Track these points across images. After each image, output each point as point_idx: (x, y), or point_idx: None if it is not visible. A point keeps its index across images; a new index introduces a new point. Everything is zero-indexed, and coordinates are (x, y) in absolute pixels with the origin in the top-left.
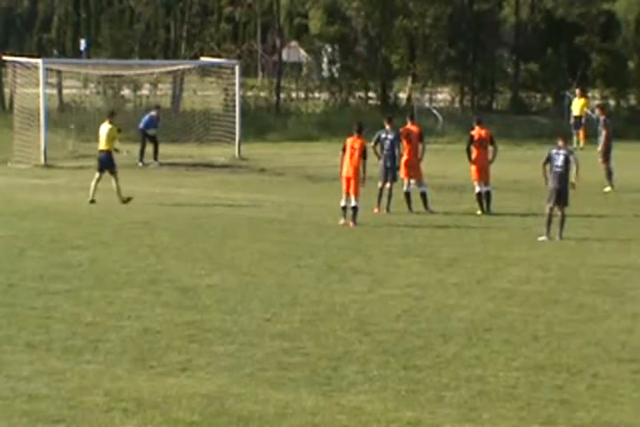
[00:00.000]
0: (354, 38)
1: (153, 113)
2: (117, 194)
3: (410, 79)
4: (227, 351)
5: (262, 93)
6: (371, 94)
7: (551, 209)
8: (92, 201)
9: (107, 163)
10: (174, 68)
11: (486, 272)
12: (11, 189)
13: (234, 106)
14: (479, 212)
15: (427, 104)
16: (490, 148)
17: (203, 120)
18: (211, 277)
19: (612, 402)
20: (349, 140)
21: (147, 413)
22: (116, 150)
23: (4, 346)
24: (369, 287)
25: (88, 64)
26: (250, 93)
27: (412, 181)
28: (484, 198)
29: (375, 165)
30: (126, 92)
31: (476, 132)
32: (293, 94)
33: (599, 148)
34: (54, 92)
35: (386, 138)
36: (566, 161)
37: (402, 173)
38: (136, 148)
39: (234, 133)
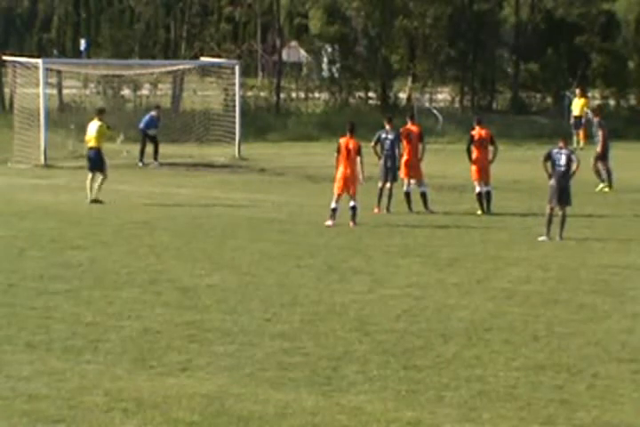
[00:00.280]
0: (354, 38)
1: (153, 113)
2: (96, 190)
3: (410, 79)
4: (227, 351)
5: (262, 93)
6: (371, 94)
7: (552, 209)
8: (93, 201)
9: (96, 161)
10: (174, 68)
11: (486, 272)
12: (11, 189)
13: (234, 106)
14: (479, 212)
15: (427, 104)
16: (490, 148)
17: (203, 120)
18: (211, 277)
19: (612, 402)
20: (343, 141)
21: (147, 413)
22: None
23: (4, 346)
24: (369, 287)
25: (88, 64)
26: (250, 93)
27: (412, 181)
28: (484, 198)
29: (375, 165)
30: (126, 92)
31: (477, 132)
32: (293, 94)
33: (598, 148)
34: (54, 92)
35: (386, 138)
36: (569, 160)
37: (402, 173)
38: (136, 148)
39: (234, 133)
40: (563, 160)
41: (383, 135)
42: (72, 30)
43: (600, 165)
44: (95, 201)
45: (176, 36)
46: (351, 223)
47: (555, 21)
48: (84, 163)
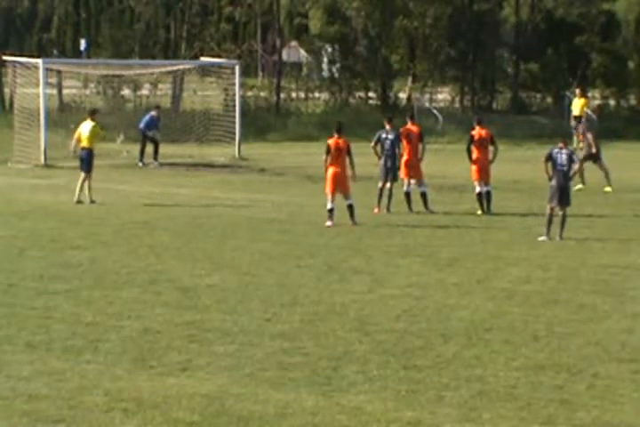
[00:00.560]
0: (354, 38)
1: (153, 113)
2: (79, 190)
3: (410, 79)
4: (227, 351)
5: (262, 93)
6: (371, 94)
7: (552, 209)
8: (92, 201)
9: (87, 161)
10: (174, 68)
11: (486, 272)
12: (11, 189)
13: (234, 106)
14: (479, 212)
15: (427, 104)
16: (490, 148)
17: (203, 120)
18: (211, 277)
19: (612, 402)
20: (332, 142)
21: (147, 413)
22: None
23: (4, 346)
24: (369, 287)
25: (88, 64)
26: (250, 93)
27: (413, 181)
28: (484, 198)
29: (375, 165)
30: (126, 92)
31: (477, 132)
32: (293, 94)
33: (593, 150)
34: (54, 92)
35: (386, 138)
36: (570, 160)
37: (402, 173)
38: (136, 148)
39: (234, 133)
40: (564, 160)
41: (383, 135)
42: (72, 30)
43: (597, 165)
44: (81, 202)
45: (176, 36)
46: (351, 222)
47: (555, 21)
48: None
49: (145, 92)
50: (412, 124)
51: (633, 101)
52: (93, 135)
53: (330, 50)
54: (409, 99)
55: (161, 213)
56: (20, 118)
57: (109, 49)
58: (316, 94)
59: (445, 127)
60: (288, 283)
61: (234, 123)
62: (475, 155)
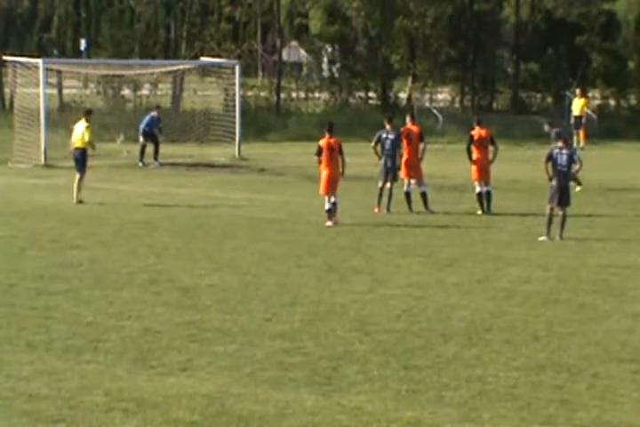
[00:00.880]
0: (354, 38)
1: (154, 113)
2: (77, 190)
3: (410, 79)
4: (227, 351)
5: (262, 93)
6: (371, 94)
7: (551, 209)
8: (80, 202)
9: (81, 161)
10: (174, 68)
11: (486, 272)
12: (11, 189)
13: (234, 106)
14: (479, 212)
15: (427, 104)
16: (490, 148)
17: (203, 120)
18: (211, 277)
19: (612, 402)
20: (323, 142)
21: (147, 413)
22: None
23: (4, 346)
24: (369, 287)
25: (88, 64)
26: (250, 93)
27: (413, 181)
28: (484, 198)
29: (375, 165)
30: (126, 92)
31: (476, 132)
32: (293, 94)
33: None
34: (54, 92)
35: (387, 138)
36: (570, 160)
37: (402, 172)
38: (136, 148)
39: (234, 133)
40: (564, 160)
41: (384, 135)
42: (72, 30)
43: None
44: (81, 201)
45: (176, 36)
46: (328, 222)
47: (555, 21)
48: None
49: (145, 92)
50: (412, 124)
51: (633, 101)
52: (90, 136)
53: (330, 50)
54: (409, 99)
55: (161, 213)
56: (20, 118)
57: (109, 49)
58: (316, 94)
59: (445, 127)
60: (288, 283)
61: (234, 123)
62: (475, 155)
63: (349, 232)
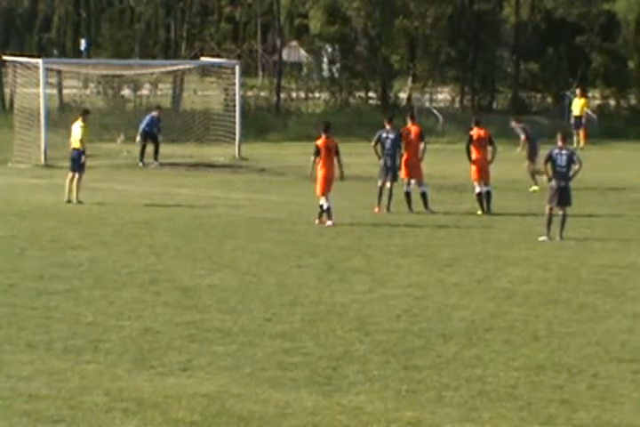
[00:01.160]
0: (354, 38)
1: (154, 113)
2: (76, 191)
3: (410, 79)
4: (227, 351)
5: (262, 93)
6: (371, 94)
7: (551, 209)
8: (69, 201)
9: (78, 162)
10: (174, 68)
11: (486, 272)
12: (11, 189)
13: (234, 106)
14: (479, 212)
15: (427, 104)
16: (489, 148)
17: (203, 120)
18: (211, 277)
19: (612, 402)
20: (320, 142)
21: (147, 413)
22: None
23: (4, 346)
24: (369, 287)
25: (88, 64)
26: (250, 93)
27: (413, 181)
28: (484, 198)
29: (375, 164)
30: (126, 92)
31: (475, 132)
32: (293, 94)
33: (519, 150)
34: (54, 92)
35: (387, 138)
36: (570, 161)
37: (402, 172)
38: (136, 148)
39: (234, 133)
40: (563, 161)
41: (384, 135)
42: (72, 30)
43: (530, 166)
44: (78, 202)
45: (176, 36)
46: (317, 221)
47: (555, 21)
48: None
49: (145, 92)
50: (412, 124)
51: (633, 101)
52: (83, 135)
53: (330, 50)
54: (409, 99)
55: (161, 213)
56: (20, 118)
57: (109, 49)
58: (316, 94)
59: (445, 127)
60: (288, 283)
61: (234, 123)
62: (474, 155)
63: (349, 232)
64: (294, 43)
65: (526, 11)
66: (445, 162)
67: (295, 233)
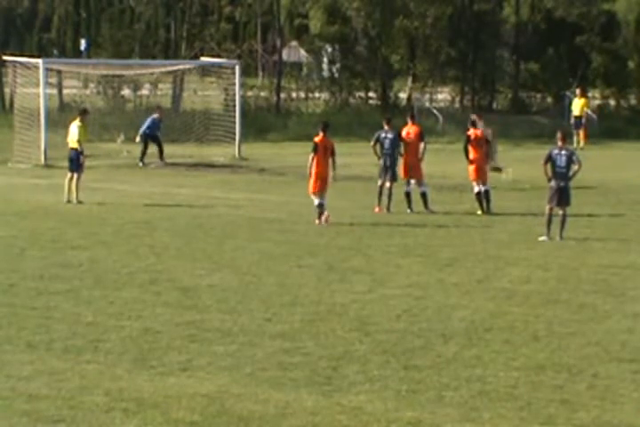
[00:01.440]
0: (354, 38)
1: (155, 116)
2: (75, 191)
3: (410, 79)
4: (227, 351)
5: (262, 93)
6: (371, 94)
7: (551, 209)
8: (69, 201)
9: (76, 162)
10: (174, 68)
11: (486, 272)
12: (11, 189)
13: (234, 106)
14: (479, 211)
15: (427, 104)
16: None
17: (203, 120)
18: (211, 277)
19: (613, 402)
20: (320, 141)
21: (147, 413)
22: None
23: (4, 346)
24: (369, 287)
25: (88, 64)
26: (250, 93)
27: (413, 181)
28: (483, 198)
29: (375, 164)
30: (126, 92)
31: (472, 132)
32: (293, 94)
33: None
34: (54, 92)
35: (385, 137)
36: (569, 161)
37: (402, 173)
38: (136, 148)
39: (234, 133)
40: (563, 162)
41: (382, 135)
42: (72, 30)
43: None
44: (78, 202)
45: (176, 36)
46: (317, 221)
47: (555, 21)
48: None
49: (145, 92)
50: (412, 124)
51: (633, 101)
52: (80, 135)
53: (330, 50)
54: (409, 99)
55: (161, 213)
56: (20, 118)
57: (109, 49)
58: (316, 94)
59: (445, 127)
60: (288, 283)
61: (234, 123)
62: (472, 155)
63: (349, 232)
64: (294, 43)
65: (526, 11)
66: (445, 162)
67: (295, 233)
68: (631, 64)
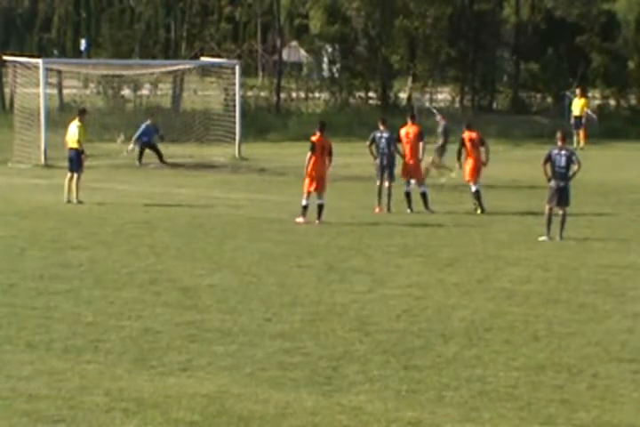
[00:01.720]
0: (354, 38)
1: (148, 122)
2: (75, 191)
3: (410, 79)
4: (227, 351)
5: (262, 93)
6: (371, 94)
7: (551, 209)
8: (69, 201)
9: (76, 161)
10: (174, 68)
11: (486, 272)
12: (11, 189)
13: (234, 106)
14: (479, 211)
15: (427, 104)
16: (481, 148)
17: (203, 120)
18: (211, 277)
19: (612, 402)
20: (317, 140)
21: (147, 413)
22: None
23: (4, 346)
24: (369, 287)
25: (88, 64)
26: (250, 93)
27: (413, 181)
28: (481, 196)
29: (372, 164)
30: (126, 92)
31: (467, 135)
32: (294, 94)
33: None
34: (54, 92)
35: (381, 137)
36: (569, 161)
37: (402, 173)
38: (136, 149)
39: (234, 133)
40: (562, 162)
41: (378, 134)
42: (72, 30)
43: (437, 160)
44: (78, 202)
45: (176, 36)
46: (317, 221)
47: (555, 21)
48: (84, 163)
49: (145, 92)
50: (412, 124)
51: (633, 101)
52: (80, 135)
53: (330, 50)
54: (409, 99)
55: (161, 213)
56: (20, 118)
57: (109, 49)
58: (316, 94)
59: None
60: (288, 283)
61: (234, 123)
62: (467, 156)
63: (349, 232)
64: (294, 43)
65: (526, 11)
66: (445, 162)
67: (295, 233)
68: (631, 64)
